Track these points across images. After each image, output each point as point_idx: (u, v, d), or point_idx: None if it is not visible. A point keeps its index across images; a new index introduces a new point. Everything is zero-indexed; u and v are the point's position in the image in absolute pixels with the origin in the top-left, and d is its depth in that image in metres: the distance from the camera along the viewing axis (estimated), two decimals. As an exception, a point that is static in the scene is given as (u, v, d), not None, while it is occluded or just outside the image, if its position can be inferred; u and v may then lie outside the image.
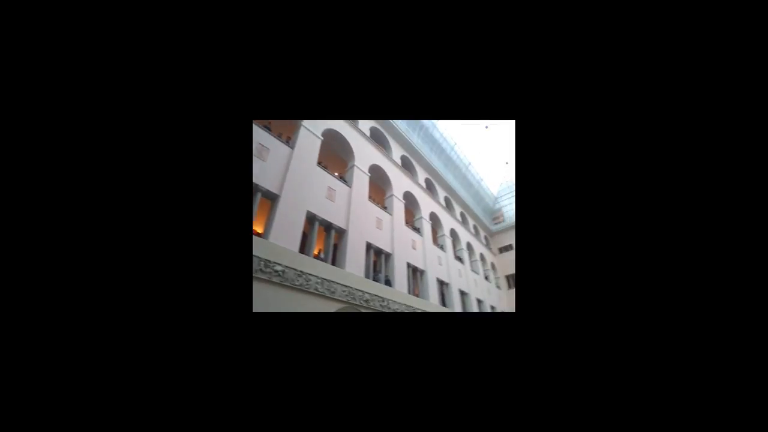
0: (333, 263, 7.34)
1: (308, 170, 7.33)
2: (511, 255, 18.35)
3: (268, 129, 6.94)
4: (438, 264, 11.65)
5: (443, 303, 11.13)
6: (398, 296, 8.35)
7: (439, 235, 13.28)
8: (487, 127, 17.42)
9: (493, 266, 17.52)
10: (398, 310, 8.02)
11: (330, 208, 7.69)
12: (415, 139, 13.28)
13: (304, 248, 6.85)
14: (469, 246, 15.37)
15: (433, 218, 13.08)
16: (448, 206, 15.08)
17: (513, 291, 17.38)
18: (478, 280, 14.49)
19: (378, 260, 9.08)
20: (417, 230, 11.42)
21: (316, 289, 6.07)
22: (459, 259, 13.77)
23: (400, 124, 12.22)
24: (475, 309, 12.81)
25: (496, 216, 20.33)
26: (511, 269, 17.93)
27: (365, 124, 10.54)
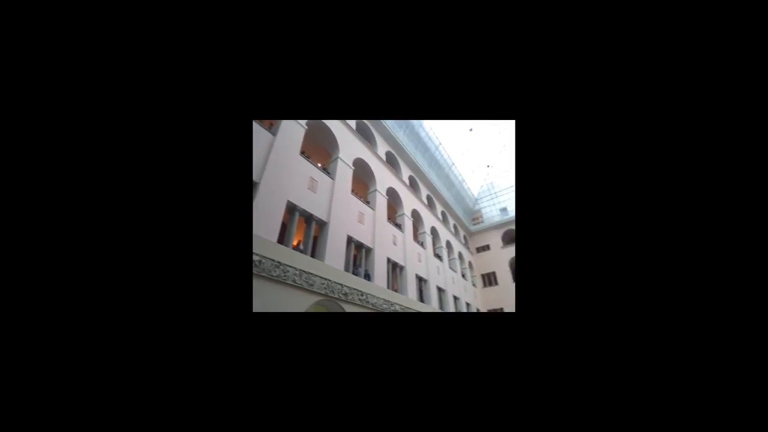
0: (312, 255, 7.21)
1: (290, 159, 7.13)
2: (488, 255, 18.96)
3: (249, 113, 6.65)
4: (417, 261, 11.80)
5: (421, 299, 11.30)
6: (377, 291, 8.37)
7: (420, 232, 13.44)
8: (471, 129, 17.77)
9: (470, 265, 18.02)
10: (376, 305, 8.04)
11: (311, 199, 7.54)
12: (401, 136, 13.31)
13: (283, 239, 6.67)
14: (448, 244, 15.69)
15: (415, 215, 13.21)
16: (430, 204, 15.29)
17: (487, 289, 18.01)
18: (455, 277, 14.84)
19: (358, 254, 9.04)
20: (398, 226, 11.48)
21: (294, 281, 5.94)
22: (438, 256, 14.02)
23: (387, 121, 12.18)
24: (451, 305, 13.12)
25: (475, 217, 20.89)
26: (487, 268, 18.54)
27: (351, 117, 10.39)
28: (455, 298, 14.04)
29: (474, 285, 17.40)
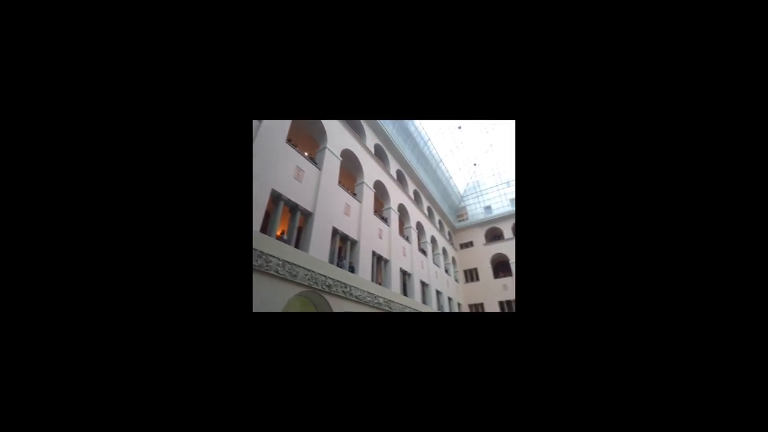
0: (296, 246, 7.09)
1: (276, 147, 6.92)
2: (471, 251, 19.37)
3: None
4: (402, 255, 11.88)
5: (404, 292, 11.42)
6: (361, 283, 8.37)
7: (405, 226, 13.51)
8: (460, 127, 17.90)
9: (453, 261, 18.36)
10: (360, 297, 8.04)
11: (297, 189, 7.37)
12: (391, 130, 13.22)
13: (266, 228, 6.51)
14: (433, 240, 15.88)
15: (402, 210, 13.25)
16: (417, 199, 15.37)
17: (469, 285, 18.45)
18: (438, 272, 15.08)
19: (343, 246, 8.98)
20: (384, 220, 11.48)
21: (277, 272, 5.83)
22: (423, 251, 14.18)
23: (377, 112, 12.03)
24: (434, 300, 13.35)
25: (460, 213, 21.23)
26: (470, 265, 18.96)
27: (341, 107, 10.19)
28: (438, 293, 14.30)
29: (456, 280, 17.77)
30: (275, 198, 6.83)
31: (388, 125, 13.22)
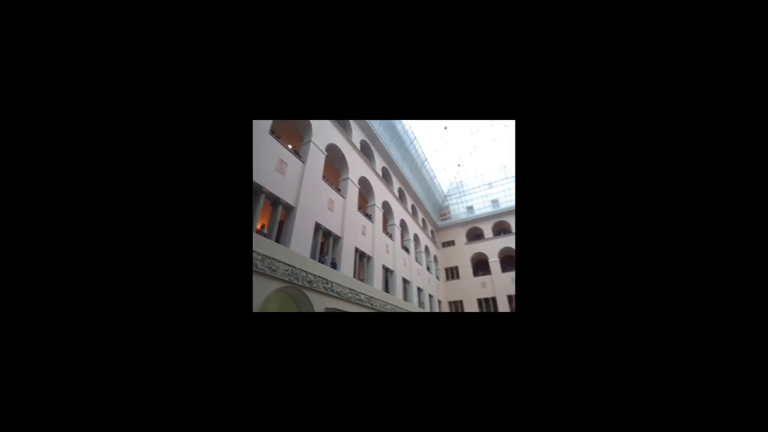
0: (277, 240, 6.92)
1: (258, 137, 6.70)
2: (452, 250, 19.75)
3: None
4: (385, 252, 11.91)
5: (386, 289, 11.48)
6: (343, 279, 8.31)
7: (389, 224, 13.54)
8: (446, 127, 18.12)
9: (435, 258, 18.65)
10: (342, 293, 7.99)
11: (279, 182, 7.19)
12: (377, 127, 13.16)
13: (245, 221, 6.29)
14: (416, 237, 16.04)
15: (386, 207, 13.27)
16: (401, 197, 15.44)
17: (450, 282, 18.84)
18: (420, 270, 15.27)
19: (326, 242, 8.87)
20: (368, 216, 11.45)
21: (256, 267, 5.67)
22: (405, 249, 14.29)
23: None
24: (415, 297, 13.51)
25: (443, 212, 21.55)
26: (451, 263, 19.34)
27: (327, 100, 10.00)
28: (419, 290, 14.48)
29: (438, 278, 18.08)
30: (256, 190, 6.62)
31: (375, 122, 13.14)
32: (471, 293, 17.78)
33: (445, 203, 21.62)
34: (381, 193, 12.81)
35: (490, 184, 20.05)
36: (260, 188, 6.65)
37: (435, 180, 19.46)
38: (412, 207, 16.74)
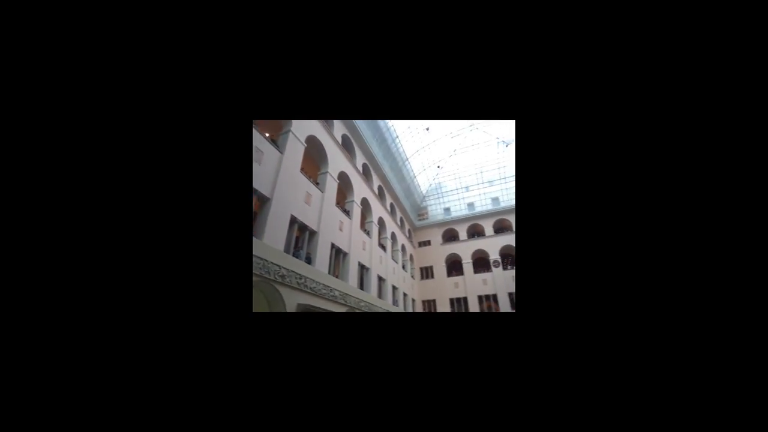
0: (249, 232, 6.60)
1: (233, 122, 6.33)
2: (428, 249, 20.10)
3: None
4: (362, 249, 11.83)
5: (361, 286, 11.41)
6: (317, 275, 8.13)
7: (367, 221, 13.47)
8: (428, 129, 18.33)
9: (411, 258, 18.86)
10: (315, 289, 7.81)
11: (254, 172, 6.85)
12: (360, 123, 13.01)
13: (215, 210, 5.93)
14: (393, 236, 16.11)
15: (365, 204, 13.17)
16: (381, 195, 15.42)
17: (424, 281, 19.16)
18: (396, 268, 15.36)
19: (301, 236, 8.62)
20: (346, 212, 11.30)
21: (224, 258, 5.36)
22: (382, 246, 14.29)
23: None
24: (390, 294, 13.57)
25: (421, 213, 21.85)
26: (426, 262, 19.68)
27: (309, 91, 9.71)
28: (394, 288, 14.57)
29: (413, 277, 18.31)
30: (228, 178, 6.26)
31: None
32: (444, 293, 18.20)
33: (424, 204, 21.92)
34: (360, 190, 12.69)
35: (467, 187, 20.61)
36: (233, 176, 6.30)
37: (415, 180, 19.65)
38: (391, 205, 16.78)
